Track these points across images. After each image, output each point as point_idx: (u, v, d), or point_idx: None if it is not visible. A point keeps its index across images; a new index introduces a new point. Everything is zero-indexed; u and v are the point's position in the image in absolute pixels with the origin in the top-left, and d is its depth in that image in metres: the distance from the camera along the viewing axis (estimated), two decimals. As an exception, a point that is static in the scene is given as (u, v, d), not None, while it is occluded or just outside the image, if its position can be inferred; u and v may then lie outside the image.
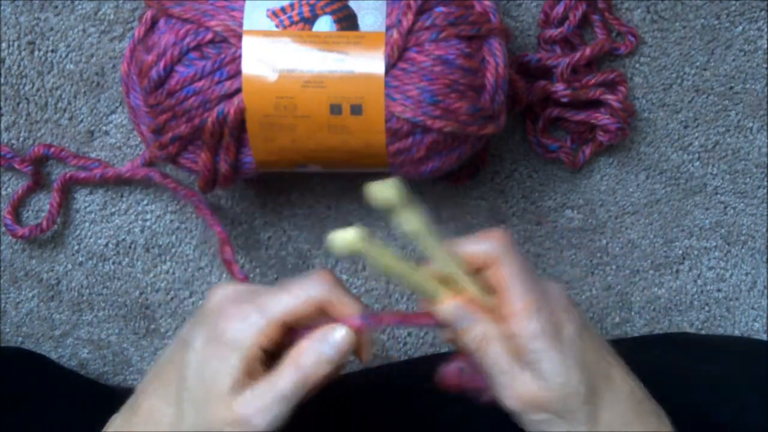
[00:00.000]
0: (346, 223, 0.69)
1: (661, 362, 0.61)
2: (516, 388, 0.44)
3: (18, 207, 0.67)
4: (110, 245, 0.69)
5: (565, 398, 0.44)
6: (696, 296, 0.71)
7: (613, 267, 0.70)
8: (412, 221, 0.42)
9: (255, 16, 0.54)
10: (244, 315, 0.44)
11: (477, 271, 0.46)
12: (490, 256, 0.45)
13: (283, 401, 0.43)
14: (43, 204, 0.67)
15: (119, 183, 0.67)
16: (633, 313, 0.70)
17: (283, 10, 0.54)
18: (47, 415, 0.58)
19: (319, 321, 0.45)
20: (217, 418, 0.43)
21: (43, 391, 0.61)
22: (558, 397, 0.44)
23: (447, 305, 0.45)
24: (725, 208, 0.69)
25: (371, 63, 0.53)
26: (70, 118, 0.66)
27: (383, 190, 0.40)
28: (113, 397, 0.48)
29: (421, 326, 0.48)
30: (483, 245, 0.46)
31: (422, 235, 0.43)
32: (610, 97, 0.63)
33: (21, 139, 0.66)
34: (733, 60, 0.66)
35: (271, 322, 0.43)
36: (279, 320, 0.43)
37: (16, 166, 0.65)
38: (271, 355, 0.44)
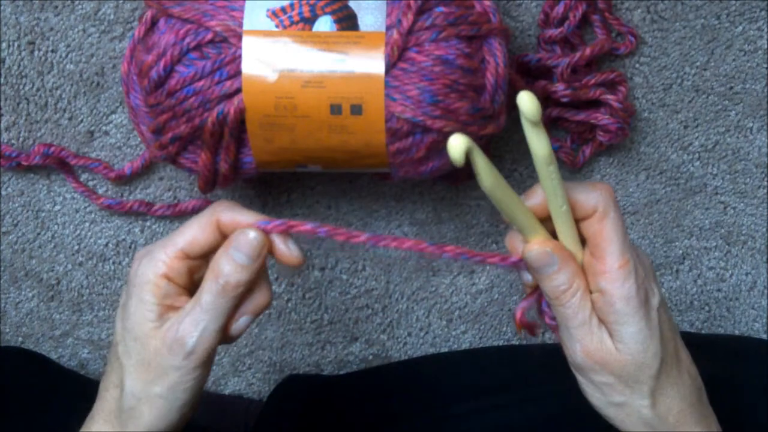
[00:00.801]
0: (346, 223, 0.69)
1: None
2: (590, 344, 0.43)
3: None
4: (110, 245, 0.69)
5: (637, 366, 0.43)
6: (696, 296, 0.71)
7: (613, 267, 0.70)
8: (544, 143, 0.41)
9: (255, 16, 0.54)
10: (148, 254, 0.45)
11: (577, 220, 0.44)
12: (594, 207, 0.43)
13: (209, 313, 0.44)
14: (43, 203, 0.67)
15: (119, 183, 0.67)
16: (633, 313, 0.70)
17: (283, 10, 0.54)
18: (48, 415, 0.58)
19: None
20: (153, 351, 0.44)
21: (44, 391, 0.61)
22: (632, 363, 0.43)
23: (538, 246, 0.43)
24: (725, 208, 0.69)
25: (371, 63, 0.53)
26: (70, 118, 0.66)
27: (530, 101, 0.39)
28: None
29: (491, 264, 0.46)
30: (591, 194, 0.43)
31: (548, 162, 0.41)
32: (610, 97, 0.63)
33: (21, 139, 0.66)
34: (733, 60, 0.66)
35: (171, 253, 0.44)
36: (179, 250, 0.44)
37: (23, 163, 0.65)
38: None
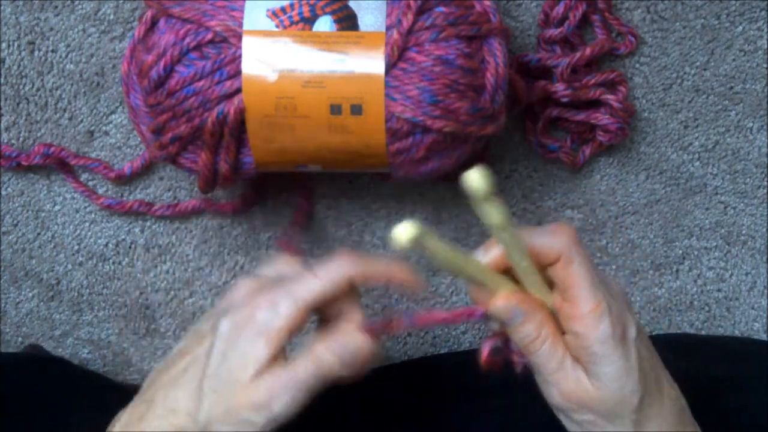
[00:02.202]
0: (346, 224, 0.69)
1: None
2: (566, 386, 0.43)
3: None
4: (110, 245, 0.69)
5: (617, 403, 0.43)
6: (696, 296, 0.71)
7: (613, 267, 0.70)
8: (495, 214, 0.41)
9: (255, 16, 0.54)
10: (274, 301, 0.44)
11: (542, 267, 0.44)
12: (557, 253, 0.43)
13: (301, 389, 0.43)
14: (42, 203, 0.67)
15: (119, 183, 0.67)
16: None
17: (283, 10, 0.54)
18: (48, 415, 0.58)
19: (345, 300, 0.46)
20: (240, 402, 0.43)
21: (66, 393, 0.61)
22: (610, 400, 0.43)
23: (501, 302, 0.44)
24: (725, 208, 0.69)
25: (371, 63, 0.53)
26: (70, 118, 0.66)
27: (478, 179, 0.38)
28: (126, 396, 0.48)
29: (460, 323, 0.47)
30: (552, 240, 0.43)
31: (502, 229, 0.41)
32: (610, 97, 0.63)
33: (21, 139, 0.66)
34: (733, 60, 0.66)
35: (301, 307, 0.44)
36: (309, 305, 0.44)
37: (23, 163, 0.65)
38: None
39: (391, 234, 0.38)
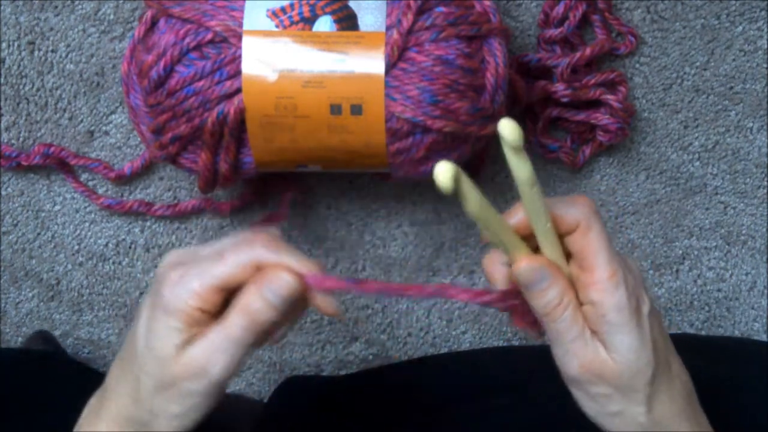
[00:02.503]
0: (346, 224, 0.69)
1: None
2: (584, 356, 0.43)
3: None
4: (110, 245, 0.69)
5: (632, 375, 0.43)
6: (696, 296, 0.71)
7: (613, 267, 0.70)
8: (524, 168, 0.41)
9: (255, 16, 0.54)
10: (183, 281, 0.44)
11: (561, 236, 0.44)
12: (576, 221, 0.43)
13: (234, 345, 0.43)
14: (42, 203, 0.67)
15: (120, 183, 0.67)
16: (633, 313, 0.70)
17: (283, 10, 0.54)
18: (48, 414, 0.58)
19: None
20: (175, 376, 0.43)
21: (64, 391, 0.61)
22: (626, 372, 0.43)
23: (528, 263, 0.43)
24: (725, 208, 0.69)
25: (371, 63, 0.53)
26: (70, 118, 0.66)
27: (512, 129, 0.39)
28: None
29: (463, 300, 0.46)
30: (572, 209, 0.43)
31: (530, 185, 0.41)
32: (610, 97, 0.63)
33: (21, 139, 0.66)
34: (733, 60, 0.66)
35: (208, 288, 0.44)
36: (216, 286, 0.44)
37: (23, 163, 0.65)
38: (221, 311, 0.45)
39: (434, 174, 0.39)
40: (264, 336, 0.45)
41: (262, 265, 0.44)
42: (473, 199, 0.41)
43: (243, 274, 0.44)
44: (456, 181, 0.40)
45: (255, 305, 0.43)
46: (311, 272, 0.44)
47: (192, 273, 0.44)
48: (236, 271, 0.44)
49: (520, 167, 0.41)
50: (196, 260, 0.45)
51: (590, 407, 0.45)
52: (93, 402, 0.47)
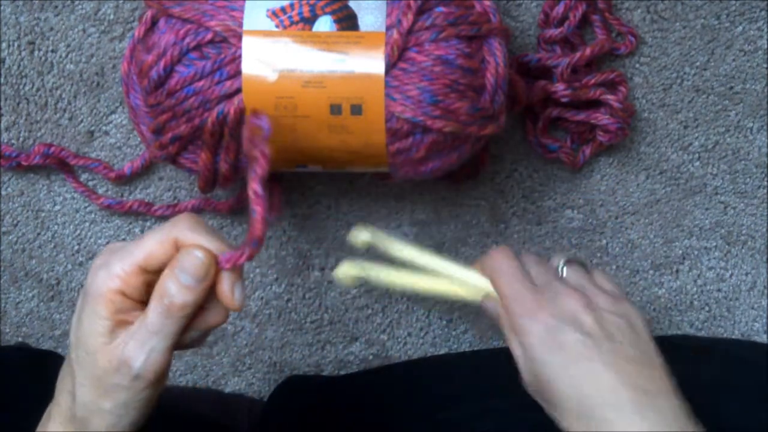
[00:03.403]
0: (346, 224, 0.69)
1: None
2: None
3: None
4: (110, 245, 0.68)
5: (578, 405, 0.45)
6: (696, 296, 0.71)
7: (613, 267, 0.70)
8: (397, 249, 0.45)
9: (255, 16, 0.54)
10: (105, 264, 0.43)
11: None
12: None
13: (156, 335, 0.42)
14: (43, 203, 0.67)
15: (120, 183, 0.67)
16: (633, 313, 0.70)
17: (283, 10, 0.54)
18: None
19: None
20: (100, 369, 0.43)
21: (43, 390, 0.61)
22: (568, 401, 0.45)
23: (487, 301, 0.49)
24: (725, 208, 0.69)
25: (371, 63, 0.53)
26: (70, 118, 0.66)
27: (358, 236, 0.44)
28: None
29: None
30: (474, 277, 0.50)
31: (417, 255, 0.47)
32: (610, 97, 0.63)
33: (21, 139, 0.66)
34: (733, 60, 0.66)
35: (128, 267, 0.43)
36: (136, 265, 0.43)
37: (23, 163, 0.65)
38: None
39: (334, 274, 0.42)
40: (186, 330, 0.44)
41: (181, 243, 0.43)
42: (386, 282, 0.48)
43: (161, 252, 0.43)
44: (359, 274, 0.46)
45: (169, 288, 0.43)
46: (225, 251, 0.44)
47: (115, 257, 0.44)
48: (154, 247, 0.43)
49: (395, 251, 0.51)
50: (122, 247, 0.44)
51: None
52: (51, 402, 0.46)
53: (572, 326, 0.46)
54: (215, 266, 0.44)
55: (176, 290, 0.43)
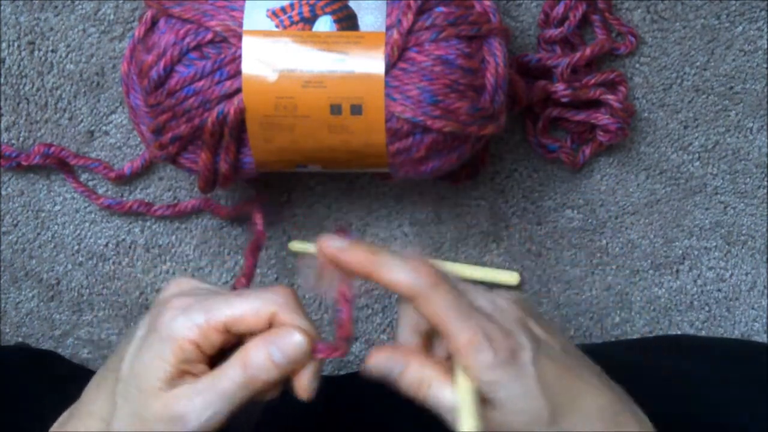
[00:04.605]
0: (346, 224, 0.69)
1: (661, 365, 0.61)
2: (471, 425, 0.41)
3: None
4: (110, 245, 0.68)
5: (526, 424, 0.41)
6: (696, 296, 0.71)
7: (613, 267, 0.70)
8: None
9: (255, 16, 0.54)
10: (187, 310, 0.41)
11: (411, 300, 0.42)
12: (411, 291, 0.41)
13: (223, 400, 0.41)
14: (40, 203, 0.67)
15: (120, 183, 0.67)
16: (633, 313, 0.70)
17: (283, 10, 0.54)
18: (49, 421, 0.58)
19: None
20: (150, 413, 0.40)
21: (56, 389, 0.61)
22: (519, 423, 0.41)
23: (374, 359, 0.42)
24: (725, 208, 0.69)
25: (371, 63, 0.53)
26: (70, 118, 0.66)
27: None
28: None
29: None
30: (403, 277, 0.41)
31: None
32: (610, 97, 0.63)
33: (21, 139, 0.66)
34: (733, 60, 0.66)
35: (212, 322, 0.41)
36: (221, 322, 0.41)
37: (23, 163, 0.65)
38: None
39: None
40: (257, 397, 0.42)
41: (275, 319, 0.42)
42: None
43: (253, 321, 0.41)
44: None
45: (257, 361, 0.41)
46: (321, 341, 0.42)
47: (199, 305, 0.41)
48: (249, 314, 0.41)
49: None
50: (205, 295, 0.42)
51: None
52: (64, 417, 0.44)
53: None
54: (310, 354, 0.42)
55: (263, 365, 0.41)
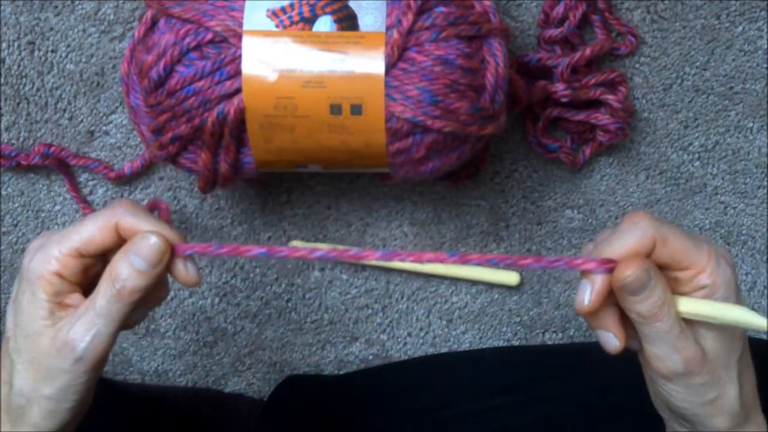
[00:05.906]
0: (346, 224, 0.69)
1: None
2: (689, 349, 0.42)
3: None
4: (110, 245, 0.68)
5: (727, 353, 0.43)
6: (696, 296, 0.71)
7: (613, 267, 0.70)
8: None
9: (255, 16, 0.54)
10: (42, 248, 0.44)
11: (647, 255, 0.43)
12: (650, 241, 0.43)
13: (103, 318, 0.42)
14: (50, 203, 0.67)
15: (120, 183, 0.67)
16: (633, 313, 0.70)
17: (283, 10, 0.54)
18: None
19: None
20: (41, 351, 0.42)
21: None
22: (726, 351, 0.43)
23: (635, 268, 0.42)
24: (725, 208, 0.69)
25: (371, 63, 0.53)
26: (70, 118, 0.66)
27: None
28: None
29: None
30: (636, 237, 0.43)
31: None
32: (610, 97, 0.63)
33: (21, 139, 0.66)
34: (733, 60, 0.66)
35: (65, 249, 0.43)
36: (73, 248, 0.43)
37: (23, 163, 0.65)
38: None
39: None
40: (132, 312, 0.44)
41: (121, 227, 0.44)
42: None
43: (102, 236, 0.44)
44: None
45: (121, 271, 0.43)
46: (182, 241, 0.44)
47: (52, 240, 0.44)
48: (94, 232, 0.44)
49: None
50: (60, 231, 0.45)
51: (689, 400, 0.44)
52: None
53: None
54: (169, 252, 0.44)
55: (128, 274, 0.43)
